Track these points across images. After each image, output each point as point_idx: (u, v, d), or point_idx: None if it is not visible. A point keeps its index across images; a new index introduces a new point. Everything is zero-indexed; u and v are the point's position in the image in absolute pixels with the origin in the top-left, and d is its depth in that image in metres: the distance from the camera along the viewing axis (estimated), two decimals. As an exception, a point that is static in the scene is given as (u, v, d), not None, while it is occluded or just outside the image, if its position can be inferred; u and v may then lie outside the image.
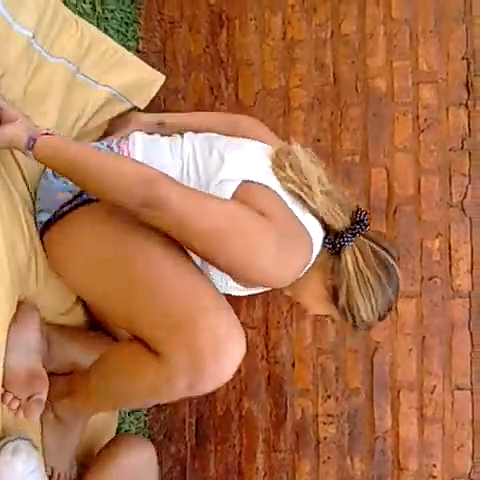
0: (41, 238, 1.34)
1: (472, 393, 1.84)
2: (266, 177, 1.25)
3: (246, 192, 1.22)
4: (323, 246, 1.29)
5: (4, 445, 1.20)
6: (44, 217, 1.33)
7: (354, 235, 1.25)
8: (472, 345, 1.85)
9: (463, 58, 1.87)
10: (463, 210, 1.87)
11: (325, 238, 1.29)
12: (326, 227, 1.29)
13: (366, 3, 1.91)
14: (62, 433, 1.40)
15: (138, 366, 1.14)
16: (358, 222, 1.27)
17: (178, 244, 1.22)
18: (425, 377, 1.87)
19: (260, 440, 1.94)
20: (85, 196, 1.28)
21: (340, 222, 1.27)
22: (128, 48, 1.92)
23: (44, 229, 1.33)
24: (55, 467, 1.41)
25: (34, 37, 1.31)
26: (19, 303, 1.28)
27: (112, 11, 1.88)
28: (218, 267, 1.21)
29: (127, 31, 1.96)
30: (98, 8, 1.79)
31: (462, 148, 1.87)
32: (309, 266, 1.28)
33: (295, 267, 1.23)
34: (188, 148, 1.34)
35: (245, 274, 1.20)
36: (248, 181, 1.23)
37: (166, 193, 1.12)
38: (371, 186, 1.90)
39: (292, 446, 1.93)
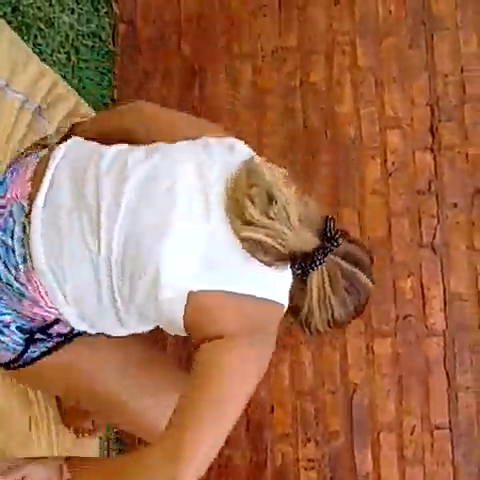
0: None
1: (451, 431, 1.84)
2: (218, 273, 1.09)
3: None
4: (291, 269, 1.12)
5: None
6: None
7: (325, 255, 1.08)
8: (448, 383, 1.86)
9: (427, 104, 1.95)
10: (433, 250, 1.91)
11: (293, 261, 1.10)
12: (293, 253, 1.09)
13: (333, 53, 2.00)
14: None
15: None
16: (328, 239, 1.08)
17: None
18: (404, 417, 1.86)
19: (240, 489, 1.90)
20: (33, 355, 1.24)
21: (309, 244, 1.08)
22: (103, 96, 1.96)
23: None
24: None
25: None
26: None
27: (86, 61, 1.92)
28: None
29: (102, 80, 2.00)
30: (73, 57, 1.84)
31: (429, 190, 1.93)
32: None
33: (272, 348, 1.15)
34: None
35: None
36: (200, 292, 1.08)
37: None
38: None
39: (273, 494, 1.89)
